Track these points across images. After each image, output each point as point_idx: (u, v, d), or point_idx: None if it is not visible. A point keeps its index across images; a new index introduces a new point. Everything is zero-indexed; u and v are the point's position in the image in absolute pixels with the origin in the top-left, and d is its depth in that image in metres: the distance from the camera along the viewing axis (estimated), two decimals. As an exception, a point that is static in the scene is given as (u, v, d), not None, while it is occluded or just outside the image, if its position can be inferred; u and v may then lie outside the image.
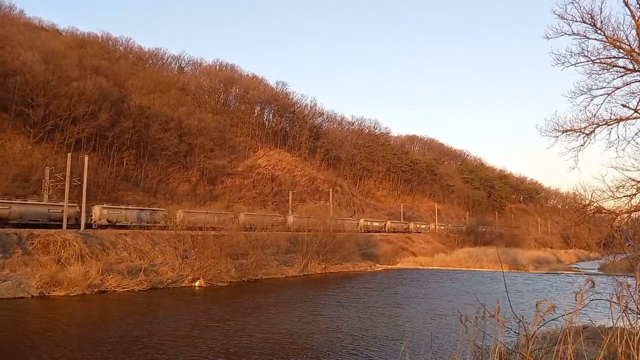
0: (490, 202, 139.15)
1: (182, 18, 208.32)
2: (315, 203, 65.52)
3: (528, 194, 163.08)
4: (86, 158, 41.87)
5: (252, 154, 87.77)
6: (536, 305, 3.62)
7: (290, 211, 64.85)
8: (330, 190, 77.05)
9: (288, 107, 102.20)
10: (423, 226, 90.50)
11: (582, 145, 17.85)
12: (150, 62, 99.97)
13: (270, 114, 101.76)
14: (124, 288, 31.43)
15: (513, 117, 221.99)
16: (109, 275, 31.73)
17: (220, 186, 74.99)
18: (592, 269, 58.58)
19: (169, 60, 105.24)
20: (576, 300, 3.45)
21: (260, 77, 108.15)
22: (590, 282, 3.62)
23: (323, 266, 48.35)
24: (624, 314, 3.62)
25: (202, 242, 37.57)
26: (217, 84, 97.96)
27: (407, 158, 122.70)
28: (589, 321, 3.66)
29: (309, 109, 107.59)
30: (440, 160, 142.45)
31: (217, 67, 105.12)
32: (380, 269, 56.30)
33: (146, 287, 32.59)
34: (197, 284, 35.26)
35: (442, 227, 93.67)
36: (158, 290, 32.70)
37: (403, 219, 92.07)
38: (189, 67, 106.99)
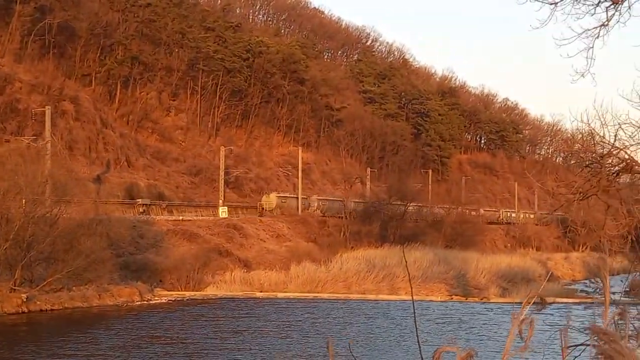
0: (420, 147, 75.17)
1: None
2: (7, 141, 33.50)
3: (498, 130, 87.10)
4: None
5: None
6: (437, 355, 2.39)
7: None
8: (48, 110, 37.45)
9: None
10: (270, 199, 48.81)
11: (605, 23, 7.24)
12: None
13: None
14: None
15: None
16: None
17: None
18: (616, 293, 28.52)
19: None
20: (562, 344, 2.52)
21: None
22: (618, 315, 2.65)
23: (23, 296, 25.60)
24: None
25: None
26: None
27: (240, 39, 60.64)
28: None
29: None
30: (317, 46, 77.10)
31: None
32: (164, 300, 30.40)
33: None
34: None
35: (314, 201, 52.25)
36: None
37: (226, 186, 49.54)
38: None
